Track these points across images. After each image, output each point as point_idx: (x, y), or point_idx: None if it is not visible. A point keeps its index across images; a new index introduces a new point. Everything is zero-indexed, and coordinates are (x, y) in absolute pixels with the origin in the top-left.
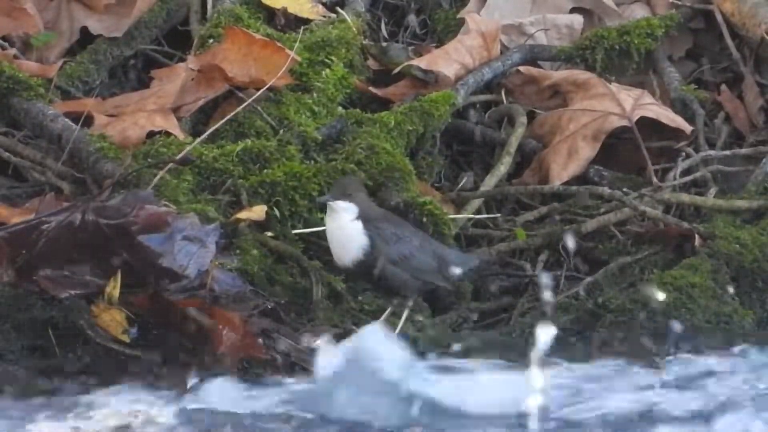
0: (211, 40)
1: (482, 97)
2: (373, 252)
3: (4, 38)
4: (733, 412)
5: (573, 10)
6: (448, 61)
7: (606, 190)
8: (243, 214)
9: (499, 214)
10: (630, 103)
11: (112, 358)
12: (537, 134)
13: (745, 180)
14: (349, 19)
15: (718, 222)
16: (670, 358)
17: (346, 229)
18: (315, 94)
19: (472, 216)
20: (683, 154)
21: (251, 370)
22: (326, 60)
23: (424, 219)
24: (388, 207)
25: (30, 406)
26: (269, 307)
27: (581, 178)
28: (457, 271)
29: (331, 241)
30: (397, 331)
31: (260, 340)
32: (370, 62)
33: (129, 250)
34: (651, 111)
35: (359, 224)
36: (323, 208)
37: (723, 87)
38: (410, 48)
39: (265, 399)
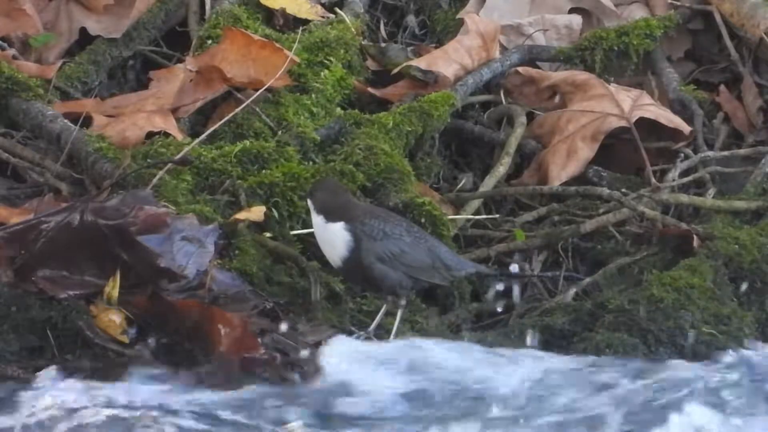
0: (209, 41)
1: (481, 98)
2: (357, 249)
3: (3, 39)
4: None
5: (572, 11)
6: (447, 61)
7: (605, 191)
8: (242, 215)
9: (498, 215)
10: (629, 103)
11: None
12: (536, 135)
13: (743, 180)
14: (347, 20)
15: (716, 223)
16: None
17: (327, 228)
18: (313, 94)
19: (471, 217)
20: (682, 154)
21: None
22: (325, 61)
23: (423, 220)
24: (386, 208)
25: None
26: (268, 307)
27: (580, 179)
28: (452, 272)
29: (318, 242)
30: (393, 332)
31: (259, 340)
32: (369, 63)
33: (128, 251)
34: (650, 112)
35: (340, 223)
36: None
37: (722, 87)
38: (409, 48)
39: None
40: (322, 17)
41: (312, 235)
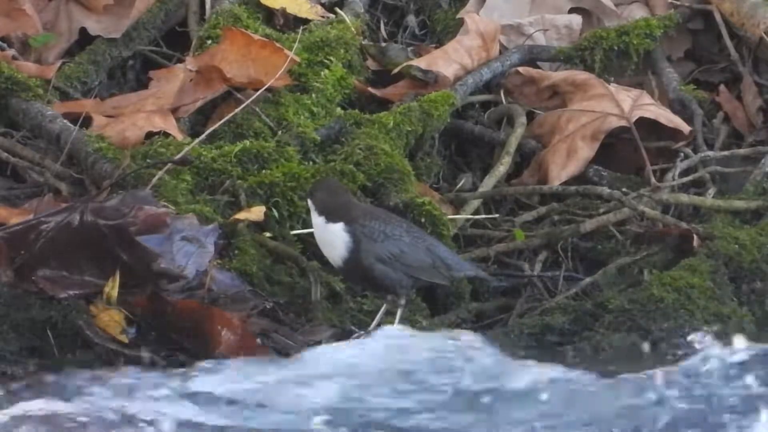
0: (209, 41)
1: (481, 98)
2: (357, 249)
3: (3, 39)
4: None
5: (572, 11)
6: (447, 61)
7: (605, 190)
8: (241, 215)
9: (497, 215)
10: (629, 103)
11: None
12: (536, 134)
13: (743, 180)
14: (347, 20)
15: (716, 222)
16: None
17: (327, 228)
18: (314, 94)
19: (471, 217)
20: (682, 154)
21: None
22: (325, 60)
23: (423, 220)
24: (386, 208)
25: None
26: (268, 307)
27: (580, 179)
28: (452, 272)
29: (318, 242)
30: None
31: (259, 340)
32: (369, 62)
33: (127, 251)
34: (650, 111)
35: (340, 223)
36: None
37: (722, 87)
38: (409, 48)
39: None
40: (322, 17)
41: (312, 235)
